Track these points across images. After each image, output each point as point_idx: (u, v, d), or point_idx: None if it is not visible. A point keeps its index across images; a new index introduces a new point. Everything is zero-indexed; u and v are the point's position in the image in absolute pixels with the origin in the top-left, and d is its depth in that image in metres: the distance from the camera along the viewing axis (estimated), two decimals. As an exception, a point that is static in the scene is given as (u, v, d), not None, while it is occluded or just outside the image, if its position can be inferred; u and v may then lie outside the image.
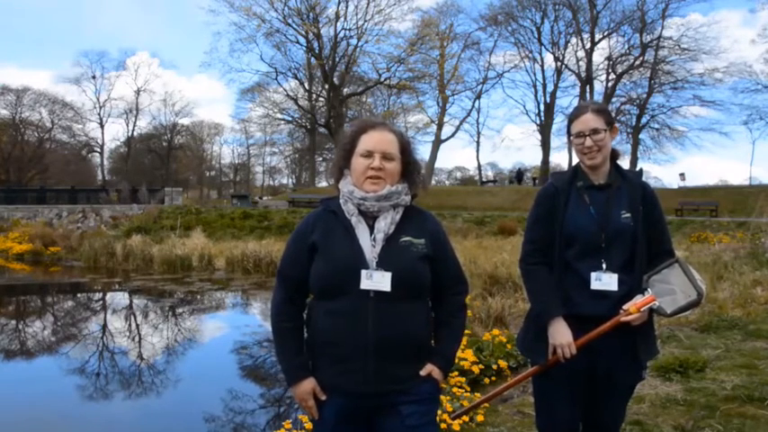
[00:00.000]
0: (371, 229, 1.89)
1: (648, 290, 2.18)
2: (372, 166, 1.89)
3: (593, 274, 2.20)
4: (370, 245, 1.87)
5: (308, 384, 1.89)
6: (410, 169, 1.98)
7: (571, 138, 2.31)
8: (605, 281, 2.19)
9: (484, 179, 50.70)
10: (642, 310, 2.15)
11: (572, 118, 2.32)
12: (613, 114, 2.38)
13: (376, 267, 1.83)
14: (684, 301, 2.18)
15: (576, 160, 2.37)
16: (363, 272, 1.82)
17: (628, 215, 2.21)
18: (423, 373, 1.88)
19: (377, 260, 1.84)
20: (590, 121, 2.24)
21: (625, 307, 2.16)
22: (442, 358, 1.94)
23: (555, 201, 2.29)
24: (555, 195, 2.30)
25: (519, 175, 43.15)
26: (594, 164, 2.26)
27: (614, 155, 2.33)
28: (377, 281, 1.82)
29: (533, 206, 2.37)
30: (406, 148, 1.97)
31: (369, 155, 1.90)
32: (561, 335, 2.19)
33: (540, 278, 2.28)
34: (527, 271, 2.33)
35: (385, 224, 1.88)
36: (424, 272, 1.89)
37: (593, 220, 2.23)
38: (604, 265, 2.20)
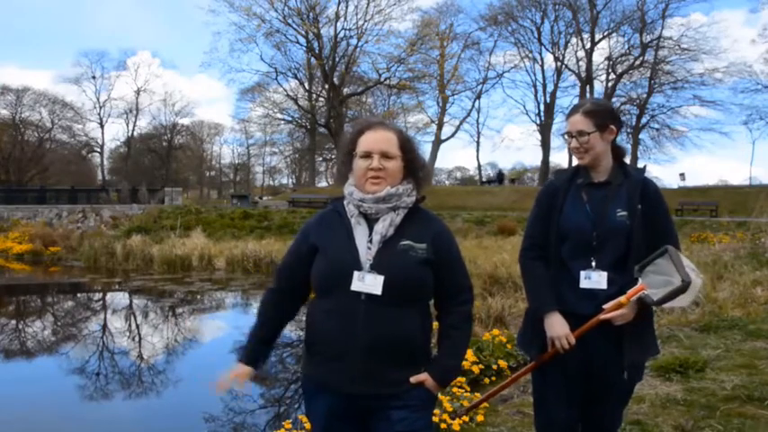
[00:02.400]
0: (371, 230, 1.88)
1: (639, 279, 2.17)
2: (371, 167, 1.87)
3: (583, 273, 2.21)
4: (365, 247, 1.85)
5: (239, 369, 1.96)
6: (413, 167, 1.94)
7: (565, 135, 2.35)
8: (594, 279, 2.20)
9: (484, 179, 50.72)
10: (632, 300, 2.13)
11: (566, 116, 2.36)
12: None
13: (369, 270, 1.82)
14: (671, 288, 2.12)
15: (576, 159, 2.39)
16: (356, 273, 1.81)
17: (624, 213, 2.20)
18: (413, 380, 1.85)
19: (371, 263, 1.83)
20: (577, 123, 2.26)
21: (616, 300, 2.15)
22: (439, 370, 1.89)
23: (554, 198, 2.31)
24: (555, 193, 2.32)
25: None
26: (583, 163, 2.29)
27: (619, 153, 2.32)
28: (368, 283, 1.80)
29: (534, 203, 2.40)
30: (406, 146, 1.93)
31: (367, 155, 1.88)
32: (557, 327, 2.20)
33: (536, 273, 2.30)
34: (524, 266, 2.36)
35: (383, 226, 1.86)
36: (421, 277, 1.85)
37: (588, 218, 2.23)
38: (594, 263, 2.20)
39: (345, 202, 1.94)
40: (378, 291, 1.79)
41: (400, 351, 1.84)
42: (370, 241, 1.86)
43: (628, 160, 2.41)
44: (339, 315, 1.83)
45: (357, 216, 1.90)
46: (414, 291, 1.85)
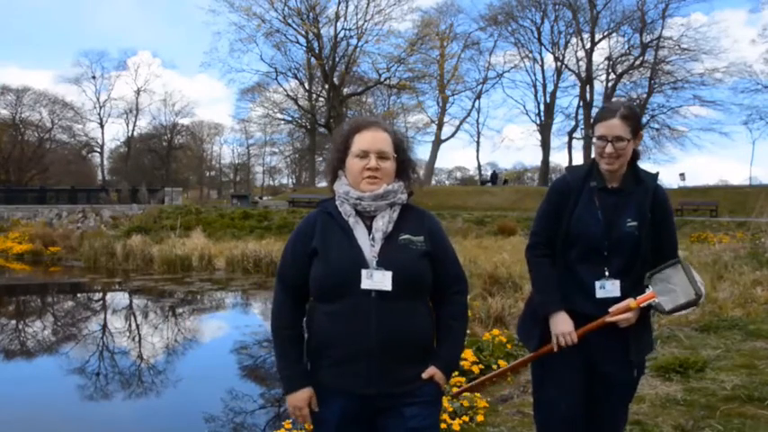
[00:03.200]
0: (369, 228, 1.87)
1: (650, 287, 2.19)
2: (369, 167, 1.87)
3: (597, 283, 2.21)
4: (369, 244, 1.85)
5: (305, 393, 1.88)
6: (405, 167, 1.96)
7: (593, 138, 2.26)
8: (609, 288, 2.20)
9: (484, 179, 50.74)
10: (642, 305, 2.16)
11: (598, 118, 2.25)
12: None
13: (376, 267, 1.81)
14: (683, 300, 2.18)
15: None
16: (364, 272, 1.80)
17: (634, 224, 2.20)
18: (425, 375, 1.86)
19: (377, 259, 1.82)
20: (615, 127, 2.17)
21: (625, 302, 2.17)
22: (444, 362, 1.91)
23: (565, 198, 2.28)
24: (567, 192, 2.29)
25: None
26: (611, 169, 2.22)
27: (634, 156, 2.27)
28: (378, 280, 1.80)
29: (544, 198, 2.38)
30: (399, 146, 1.95)
31: (364, 155, 1.88)
32: (561, 325, 2.21)
33: (543, 272, 2.30)
34: (531, 263, 2.35)
35: (383, 223, 1.86)
36: (424, 270, 1.87)
37: (599, 225, 2.21)
38: (607, 273, 2.20)
39: (338, 202, 1.92)
40: (388, 286, 1.79)
41: (413, 346, 1.84)
42: (372, 238, 1.86)
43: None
44: (349, 316, 1.81)
45: (354, 215, 1.89)
46: (419, 283, 1.86)
